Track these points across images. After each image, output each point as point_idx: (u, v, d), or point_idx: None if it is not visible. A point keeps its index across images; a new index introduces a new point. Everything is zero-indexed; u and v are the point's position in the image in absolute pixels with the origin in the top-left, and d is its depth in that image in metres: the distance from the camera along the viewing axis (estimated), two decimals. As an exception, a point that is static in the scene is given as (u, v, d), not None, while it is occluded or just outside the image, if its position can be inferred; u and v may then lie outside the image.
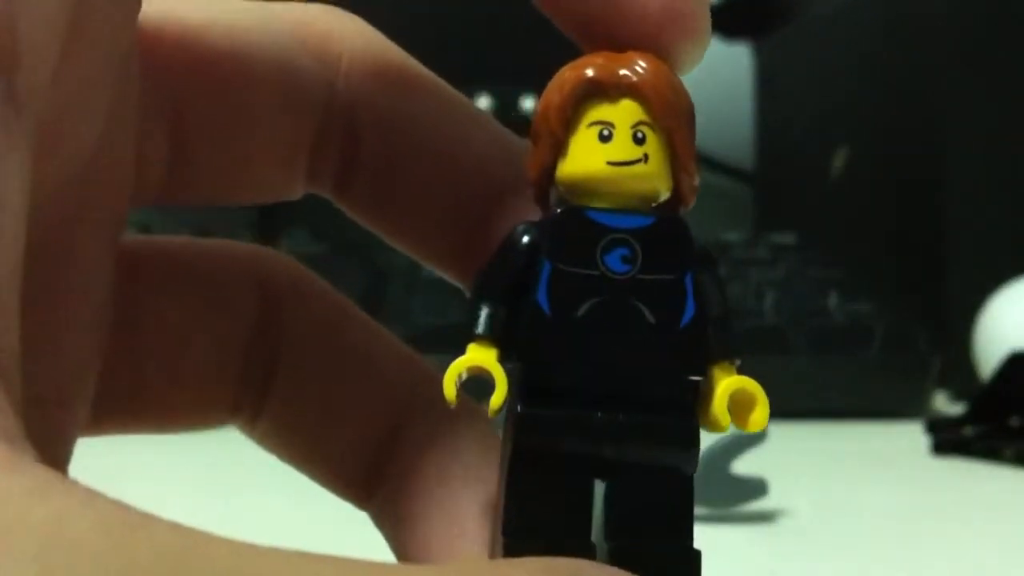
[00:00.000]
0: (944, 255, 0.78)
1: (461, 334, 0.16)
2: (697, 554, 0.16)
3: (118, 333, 0.19)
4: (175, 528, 0.10)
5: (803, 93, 1.00)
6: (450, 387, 0.16)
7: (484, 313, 0.16)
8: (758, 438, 0.43)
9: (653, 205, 0.17)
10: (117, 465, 0.32)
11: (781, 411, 0.66)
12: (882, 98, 0.87)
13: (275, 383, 0.20)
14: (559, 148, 0.16)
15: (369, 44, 0.19)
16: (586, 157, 0.16)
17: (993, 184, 0.78)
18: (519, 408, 0.16)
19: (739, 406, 0.16)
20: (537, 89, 0.17)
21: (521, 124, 0.18)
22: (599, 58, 0.16)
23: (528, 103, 0.84)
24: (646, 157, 0.16)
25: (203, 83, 0.18)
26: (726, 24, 1.04)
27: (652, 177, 0.16)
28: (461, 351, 0.16)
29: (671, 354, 0.16)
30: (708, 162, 1.04)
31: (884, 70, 0.87)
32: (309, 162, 0.19)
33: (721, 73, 1.06)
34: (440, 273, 0.20)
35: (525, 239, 0.16)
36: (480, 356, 0.16)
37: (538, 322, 0.16)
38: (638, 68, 0.16)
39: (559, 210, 0.16)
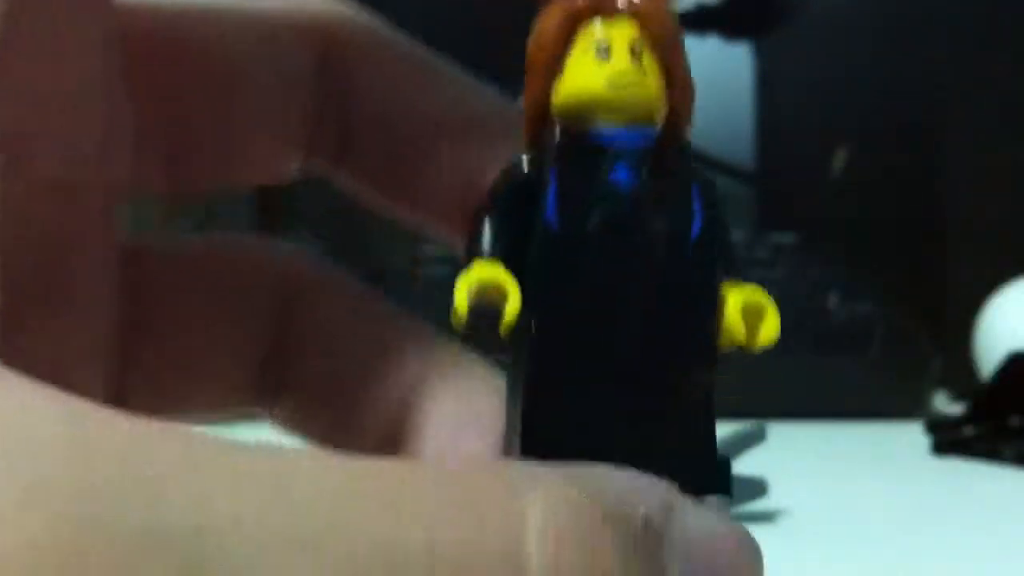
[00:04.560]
0: (944, 255, 0.78)
1: (465, 257, 0.16)
2: (726, 460, 0.16)
3: (136, 328, 0.19)
4: (136, 423, 0.11)
5: (803, 93, 1.00)
6: (462, 300, 0.15)
7: (488, 232, 0.16)
8: (758, 438, 0.43)
9: (654, 124, 0.16)
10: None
11: (781, 411, 0.66)
12: (882, 98, 0.87)
13: (294, 368, 0.20)
14: (555, 71, 0.16)
15: (355, 16, 0.19)
16: (585, 76, 0.16)
17: (993, 184, 0.78)
18: (533, 328, 0.15)
19: (749, 319, 0.16)
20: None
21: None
22: None
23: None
24: (644, 73, 0.16)
25: (195, 67, 0.18)
26: (726, 24, 1.04)
27: (650, 93, 0.16)
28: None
29: (685, 264, 0.16)
30: (708, 162, 1.04)
31: (884, 70, 0.87)
32: (307, 137, 0.19)
33: (721, 73, 1.06)
34: (442, 240, 0.20)
35: (526, 163, 0.16)
36: (490, 271, 0.15)
37: (547, 239, 0.16)
38: None
39: (560, 137, 0.16)
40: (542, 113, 0.16)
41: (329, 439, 0.20)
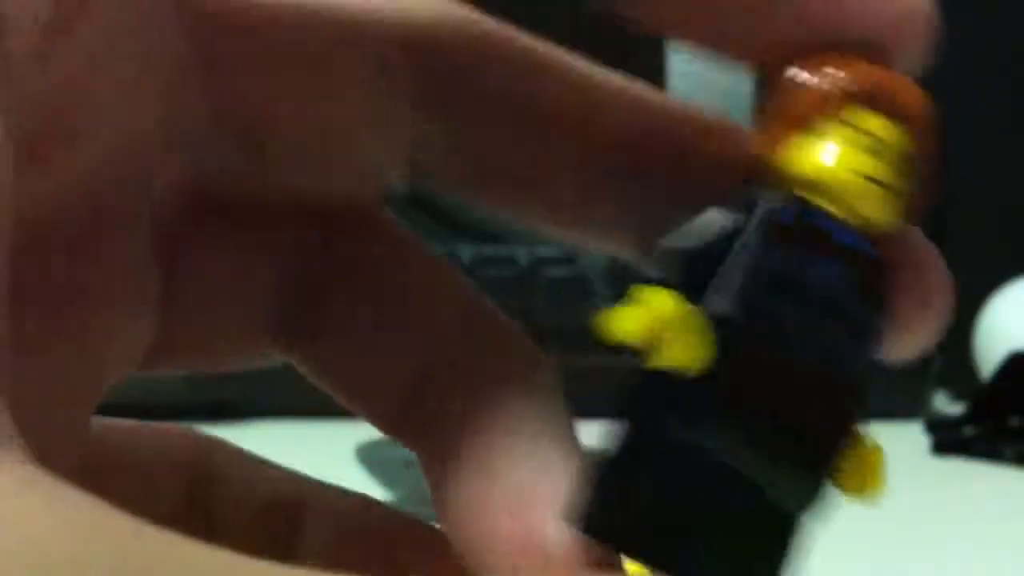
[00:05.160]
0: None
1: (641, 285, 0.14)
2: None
3: (160, 286, 0.18)
4: (164, 545, 0.10)
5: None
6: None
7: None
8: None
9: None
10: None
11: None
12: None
13: (320, 317, 0.19)
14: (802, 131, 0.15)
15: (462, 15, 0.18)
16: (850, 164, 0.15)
17: (993, 184, 0.78)
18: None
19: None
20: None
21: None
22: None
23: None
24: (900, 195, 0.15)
25: (285, 51, 0.17)
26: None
27: (897, 212, 0.15)
28: None
29: (839, 391, 0.15)
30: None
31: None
32: (408, 141, 0.18)
33: (721, 73, 1.05)
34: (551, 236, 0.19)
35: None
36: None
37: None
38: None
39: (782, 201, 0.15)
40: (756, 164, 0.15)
41: (350, 393, 0.19)
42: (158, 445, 0.20)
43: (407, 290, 0.19)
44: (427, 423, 0.19)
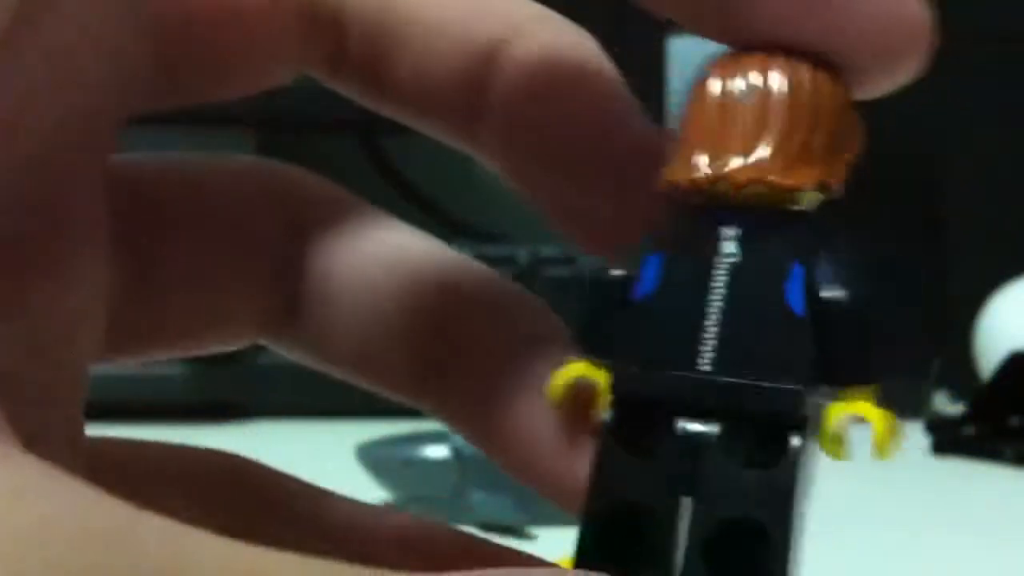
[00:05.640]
0: (944, 255, 0.78)
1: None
2: None
3: (133, 260, 0.18)
4: (164, 533, 0.10)
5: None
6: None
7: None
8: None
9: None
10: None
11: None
12: (882, 99, 0.87)
13: (305, 293, 0.19)
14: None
15: None
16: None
17: (993, 184, 0.78)
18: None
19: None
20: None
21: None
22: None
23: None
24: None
25: None
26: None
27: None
28: None
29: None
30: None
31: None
32: (299, 44, 0.19)
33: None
34: (446, 140, 0.20)
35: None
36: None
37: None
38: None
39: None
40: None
41: (349, 366, 0.20)
42: (198, 462, 0.20)
43: (380, 256, 0.19)
44: (441, 380, 0.19)
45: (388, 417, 0.41)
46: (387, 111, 0.20)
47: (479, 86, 0.19)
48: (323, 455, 0.50)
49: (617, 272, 0.16)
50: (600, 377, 0.16)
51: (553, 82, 0.19)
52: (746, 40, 0.16)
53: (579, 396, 0.16)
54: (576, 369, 0.16)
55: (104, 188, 0.17)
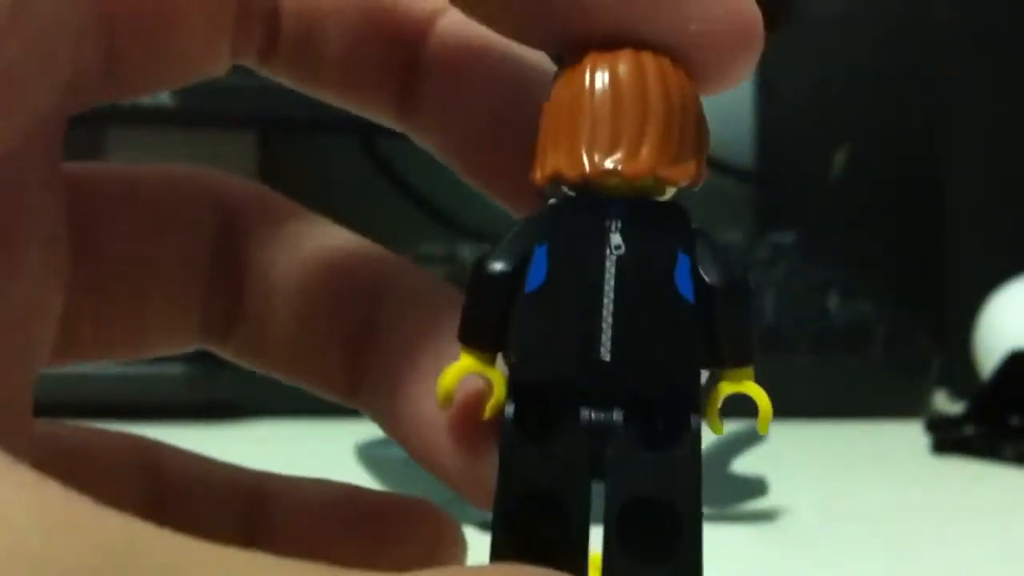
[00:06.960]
0: (944, 255, 0.78)
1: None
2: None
3: (77, 262, 0.18)
4: (123, 525, 0.10)
5: (803, 93, 1.00)
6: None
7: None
8: (758, 437, 0.43)
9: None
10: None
11: (781, 411, 0.66)
12: (882, 98, 0.87)
13: (242, 298, 0.20)
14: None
15: None
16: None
17: (993, 184, 0.78)
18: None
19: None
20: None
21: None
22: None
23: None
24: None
25: None
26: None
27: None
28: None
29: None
30: (708, 162, 1.03)
31: (884, 70, 0.87)
32: (233, 36, 0.19)
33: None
34: (380, 119, 0.20)
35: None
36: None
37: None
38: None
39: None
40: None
41: (287, 369, 0.20)
42: (110, 447, 0.21)
43: (315, 264, 0.20)
44: (365, 376, 0.19)
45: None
46: (322, 95, 0.20)
47: (412, 61, 0.19)
48: (323, 455, 0.50)
49: (503, 264, 0.16)
50: (491, 372, 0.16)
51: (480, 53, 0.19)
52: (590, 38, 0.16)
53: (472, 392, 0.16)
54: (463, 366, 0.16)
55: (58, 182, 0.18)
